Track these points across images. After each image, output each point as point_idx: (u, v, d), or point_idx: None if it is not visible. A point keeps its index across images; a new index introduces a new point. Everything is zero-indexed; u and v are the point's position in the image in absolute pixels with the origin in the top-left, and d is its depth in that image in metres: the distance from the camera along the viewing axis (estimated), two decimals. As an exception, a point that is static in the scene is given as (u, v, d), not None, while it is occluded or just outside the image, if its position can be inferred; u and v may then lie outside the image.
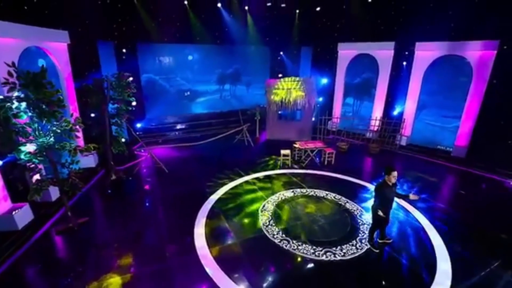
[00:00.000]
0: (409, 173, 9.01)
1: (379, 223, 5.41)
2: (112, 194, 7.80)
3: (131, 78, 8.41)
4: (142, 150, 10.62)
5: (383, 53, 11.41)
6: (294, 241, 5.70)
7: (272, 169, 9.43)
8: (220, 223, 6.38)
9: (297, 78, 11.80)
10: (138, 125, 12.84)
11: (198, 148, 11.70)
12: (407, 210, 6.93)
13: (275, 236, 5.89)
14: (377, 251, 5.47)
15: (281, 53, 15.02)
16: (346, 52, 12.57)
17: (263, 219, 6.52)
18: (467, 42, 9.32)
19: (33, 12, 7.27)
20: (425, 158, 10.42)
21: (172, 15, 12.48)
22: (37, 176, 5.96)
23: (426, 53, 10.36)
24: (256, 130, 12.49)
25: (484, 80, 9.18)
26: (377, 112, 12.02)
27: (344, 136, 12.32)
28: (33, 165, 5.64)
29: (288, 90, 11.58)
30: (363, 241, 5.75)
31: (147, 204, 7.44)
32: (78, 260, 5.25)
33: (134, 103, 12.31)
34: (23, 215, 5.98)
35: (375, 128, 11.87)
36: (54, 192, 7.07)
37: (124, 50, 11.83)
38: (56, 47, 7.83)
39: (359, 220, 6.51)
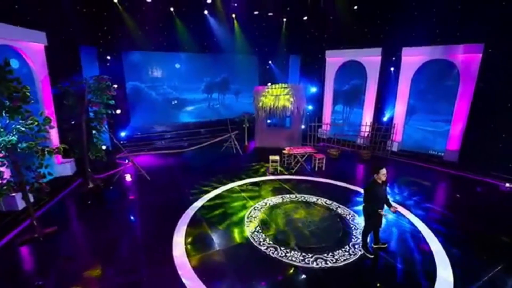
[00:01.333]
0: (402, 179, 8.73)
1: (372, 226, 5.03)
2: (89, 203, 7.21)
3: (115, 86, 8.08)
4: (126, 160, 10.02)
5: (371, 59, 11.43)
6: (281, 248, 5.24)
7: (261, 176, 9.02)
8: (202, 230, 5.87)
9: (286, 85, 11.66)
10: (123, 134, 12.35)
11: (184, 157, 11.25)
12: (401, 214, 6.57)
13: (261, 244, 5.41)
14: (372, 256, 5.04)
15: (270, 62, 14.99)
16: (334, 59, 12.59)
17: (249, 225, 6.05)
18: (452, 46, 9.36)
19: (5, 9, 6.90)
20: (417, 163, 10.20)
21: (159, 24, 12.36)
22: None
23: (413, 58, 10.39)
24: (244, 138, 12.15)
25: (472, 83, 9.16)
26: (367, 118, 11.89)
27: (334, 143, 12.09)
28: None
29: (276, 96, 11.38)
30: (356, 246, 5.32)
31: (124, 212, 6.86)
32: (38, 272, 4.65)
33: (118, 111, 11.96)
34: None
35: (366, 134, 11.69)
36: (22, 201, 6.48)
37: (108, 57, 11.56)
38: (32, 48, 7.48)
39: (351, 225, 6.09)
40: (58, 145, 8.29)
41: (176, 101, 13.86)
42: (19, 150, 5.17)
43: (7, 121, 5.06)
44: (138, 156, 10.29)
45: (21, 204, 6.46)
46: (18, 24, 6.92)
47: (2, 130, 4.90)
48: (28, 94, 5.09)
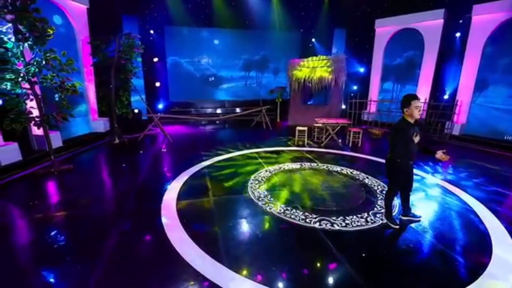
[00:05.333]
0: (461, 160, 7.01)
1: (397, 185, 3.88)
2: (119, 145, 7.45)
3: (142, 48, 8.25)
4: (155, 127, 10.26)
5: (430, 24, 9.59)
6: (282, 205, 4.45)
7: (284, 147, 8.23)
8: (202, 182, 5.42)
9: (324, 57, 10.58)
10: (160, 106, 12.81)
11: (211, 129, 11.12)
12: (449, 191, 5.13)
13: (259, 198, 4.71)
14: (397, 227, 3.90)
15: (313, 39, 13.93)
16: (385, 29, 10.98)
17: (253, 183, 5.38)
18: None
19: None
20: (486, 149, 8.14)
21: (202, 2, 12.51)
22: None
23: (487, 17, 8.31)
24: (276, 114, 11.43)
25: None
26: (422, 96, 10.02)
27: (379, 126, 10.52)
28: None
29: (312, 68, 10.40)
30: (378, 215, 4.22)
31: (135, 163, 6.89)
32: (40, 197, 4.78)
33: (157, 84, 12.43)
34: (9, 153, 5.81)
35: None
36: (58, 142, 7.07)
37: (151, 31, 12.07)
38: (74, 7, 8.05)
39: (378, 196, 4.95)
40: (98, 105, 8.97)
41: (213, 78, 13.85)
42: (38, 82, 5.46)
43: (32, 54, 5.37)
44: (168, 126, 10.46)
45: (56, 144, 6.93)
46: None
47: (22, 59, 5.18)
48: (47, 28, 5.29)
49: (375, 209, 4.42)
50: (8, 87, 5.15)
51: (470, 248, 3.39)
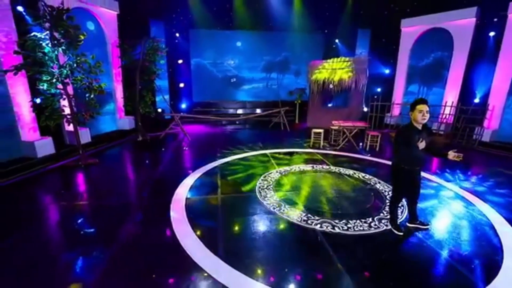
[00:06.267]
0: (488, 169, 6.58)
1: (401, 191, 3.78)
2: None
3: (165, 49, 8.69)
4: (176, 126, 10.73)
5: (461, 23, 9.04)
6: (287, 206, 4.53)
7: (299, 148, 8.24)
8: (213, 179, 5.65)
9: (346, 58, 10.39)
10: (183, 106, 13.36)
11: (230, 129, 11.39)
12: (466, 199, 4.87)
13: (266, 198, 4.82)
14: (401, 234, 3.81)
15: (336, 40, 13.69)
16: (411, 29, 10.52)
17: (261, 183, 5.50)
18: None
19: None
20: (519, 157, 7.54)
21: (226, 4, 12.84)
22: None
23: (525, 15, 7.71)
24: (296, 116, 11.43)
25: None
26: (450, 99, 9.49)
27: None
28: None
29: (333, 70, 10.26)
30: (383, 221, 4.15)
31: (155, 160, 7.31)
32: (69, 186, 5.32)
33: (181, 85, 12.96)
34: (44, 146, 6.48)
35: (445, 118, 9.34)
36: (87, 138, 7.75)
37: (177, 34, 12.63)
38: (106, 14, 8.71)
39: (387, 201, 4.83)
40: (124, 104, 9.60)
41: (234, 79, 14.16)
42: (70, 83, 6.03)
43: (65, 57, 5.95)
44: (189, 125, 10.90)
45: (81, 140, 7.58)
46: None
47: (56, 62, 5.76)
48: (79, 34, 5.83)
49: (382, 215, 4.34)
50: (45, 87, 5.76)
51: (475, 263, 3.24)
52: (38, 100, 6.10)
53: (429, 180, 5.76)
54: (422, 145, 3.32)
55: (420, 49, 10.46)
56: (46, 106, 5.88)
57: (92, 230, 3.81)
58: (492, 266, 3.14)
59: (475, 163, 7.29)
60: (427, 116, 3.32)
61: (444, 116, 9.29)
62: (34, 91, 6.06)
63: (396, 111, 11.03)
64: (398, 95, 11.25)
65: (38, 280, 2.84)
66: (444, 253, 3.35)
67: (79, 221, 4.01)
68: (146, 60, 8.51)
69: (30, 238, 3.58)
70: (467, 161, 7.30)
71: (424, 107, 3.29)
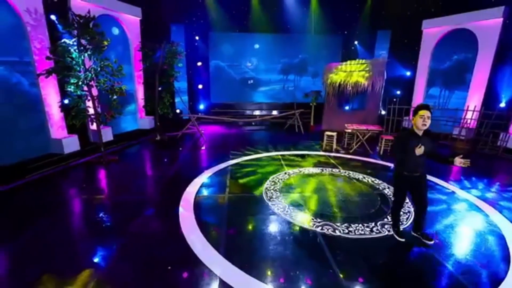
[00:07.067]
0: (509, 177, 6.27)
1: (400, 194, 3.74)
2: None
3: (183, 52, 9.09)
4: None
5: (486, 24, 8.60)
6: (291, 208, 4.63)
7: (311, 151, 8.27)
8: (223, 179, 5.88)
9: (363, 60, 10.23)
10: (201, 106, 13.77)
11: (245, 130, 11.60)
12: (481, 209, 4.71)
13: (271, 199, 4.95)
14: (402, 240, 3.78)
15: (355, 42, 13.48)
16: (433, 30, 10.14)
17: (268, 184, 5.64)
18: None
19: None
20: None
21: (244, 7, 13.08)
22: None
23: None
24: (311, 118, 11.42)
25: None
26: (473, 103, 9.06)
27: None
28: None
29: (349, 72, 10.15)
30: (386, 226, 4.14)
31: (171, 157, 7.64)
32: (91, 182, 5.78)
33: (200, 86, 13.36)
34: (70, 144, 7.04)
35: (468, 123, 8.92)
36: (109, 136, 8.28)
37: (197, 37, 13.05)
38: (129, 19, 9.24)
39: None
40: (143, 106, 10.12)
41: (252, 81, 14.37)
42: (94, 86, 6.52)
43: (90, 58, 6.43)
44: (206, 125, 11.25)
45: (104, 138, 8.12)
46: (120, -1, 8.70)
47: (82, 66, 6.25)
48: (102, 39, 6.29)
49: (386, 220, 4.32)
50: (72, 90, 6.28)
51: (477, 277, 3.17)
52: (66, 101, 6.66)
53: (444, 188, 5.61)
54: (420, 150, 3.29)
55: (442, 50, 10.05)
56: (72, 106, 6.40)
57: (107, 222, 4.16)
58: (495, 281, 3.07)
59: (499, 171, 6.96)
60: (428, 122, 3.29)
61: (465, 120, 8.89)
62: (63, 93, 6.62)
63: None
64: (418, 98, 10.89)
65: (57, 262, 3.19)
66: (448, 265, 3.31)
67: (97, 212, 4.38)
68: (165, 63, 8.94)
69: (54, 225, 3.98)
70: (490, 169, 6.99)
71: (425, 113, 3.27)
